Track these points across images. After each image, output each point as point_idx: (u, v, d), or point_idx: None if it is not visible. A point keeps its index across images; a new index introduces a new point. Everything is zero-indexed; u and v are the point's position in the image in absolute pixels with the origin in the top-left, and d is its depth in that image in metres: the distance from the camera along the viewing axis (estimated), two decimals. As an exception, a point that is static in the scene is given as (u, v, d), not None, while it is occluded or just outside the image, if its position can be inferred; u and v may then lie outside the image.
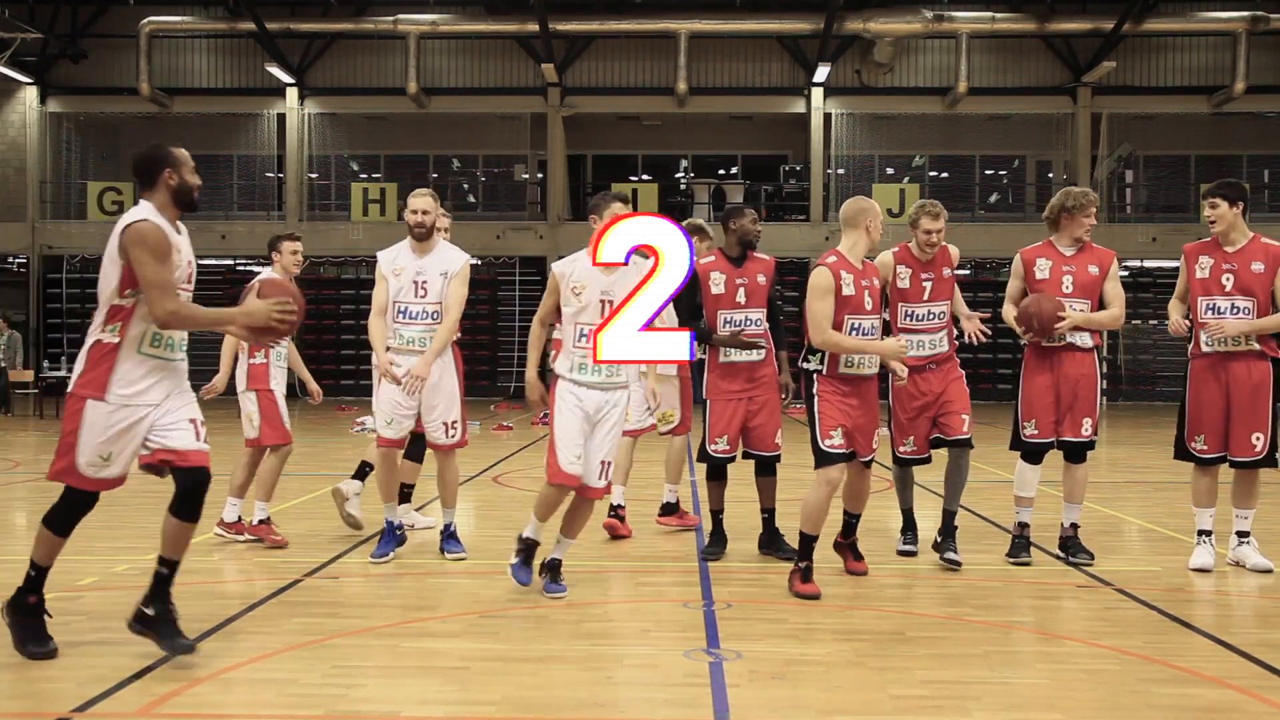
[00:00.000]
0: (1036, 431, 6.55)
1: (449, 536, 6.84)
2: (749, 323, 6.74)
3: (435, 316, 6.54)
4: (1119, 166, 28.19)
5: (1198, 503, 6.53)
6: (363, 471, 7.48)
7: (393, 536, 6.71)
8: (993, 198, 29.74)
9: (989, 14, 26.14)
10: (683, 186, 29.76)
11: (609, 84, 27.89)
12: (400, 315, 6.52)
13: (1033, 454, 6.62)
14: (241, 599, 5.55)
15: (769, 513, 6.96)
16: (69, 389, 4.54)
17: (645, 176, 29.87)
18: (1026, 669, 4.61)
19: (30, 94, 28.13)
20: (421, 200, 6.57)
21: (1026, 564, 6.60)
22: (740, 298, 6.74)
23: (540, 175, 28.65)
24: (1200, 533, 6.50)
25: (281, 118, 28.25)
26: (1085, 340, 6.54)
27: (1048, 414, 6.52)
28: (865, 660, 4.61)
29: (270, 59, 26.60)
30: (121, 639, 4.78)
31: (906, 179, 28.83)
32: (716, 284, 6.75)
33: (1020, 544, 6.69)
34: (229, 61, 28.37)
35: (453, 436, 6.68)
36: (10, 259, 28.28)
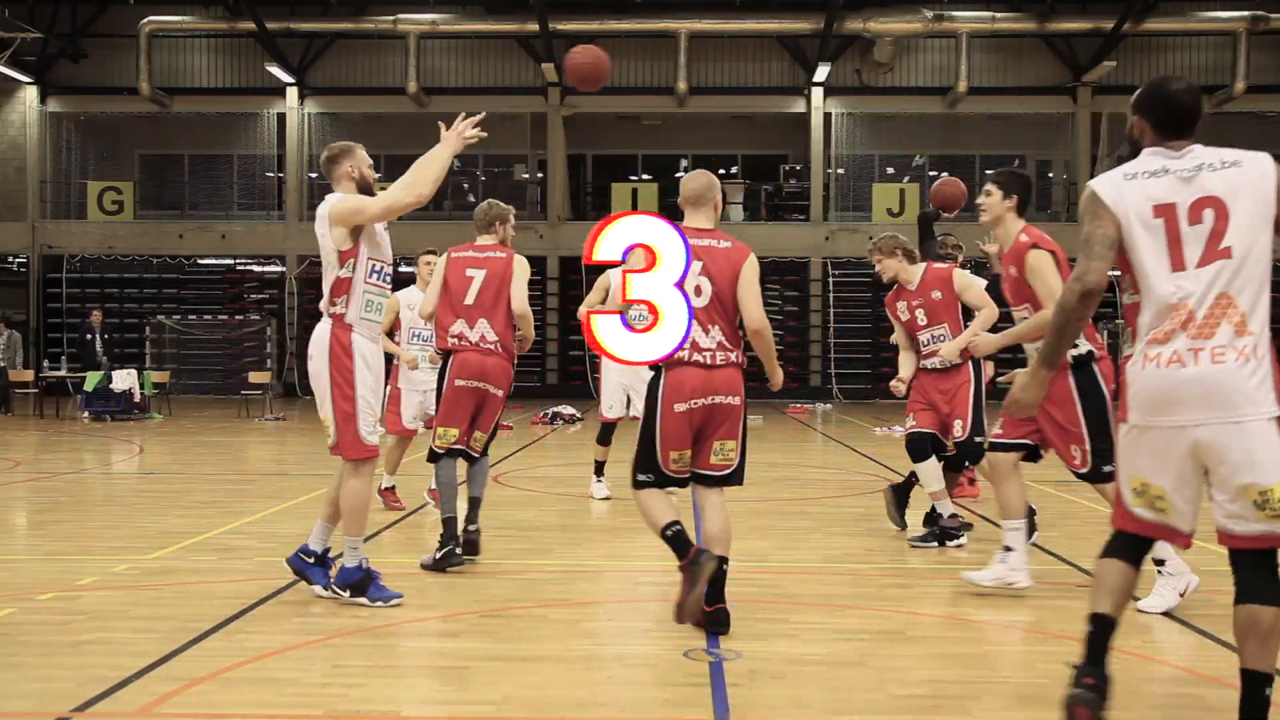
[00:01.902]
0: (915, 421, 7.16)
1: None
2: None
3: None
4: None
5: None
6: (600, 469, 9.09)
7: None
8: (993, 197, 29.74)
9: (989, 14, 26.16)
10: (683, 186, 29.76)
11: (609, 83, 27.81)
12: None
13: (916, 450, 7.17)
14: (241, 599, 5.53)
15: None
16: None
17: (645, 176, 29.85)
18: (1026, 669, 4.60)
19: (30, 94, 28.14)
20: None
21: (932, 547, 7.08)
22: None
23: (540, 175, 28.66)
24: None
25: (281, 117, 28.27)
26: (957, 359, 7.04)
27: (928, 417, 7.13)
28: (865, 660, 4.61)
29: (270, 58, 26.61)
30: (121, 639, 4.78)
31: (906, 179, 28.82)
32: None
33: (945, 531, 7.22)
34: (229, 61, 28.38)
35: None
36: (10, 259, 28.27)
